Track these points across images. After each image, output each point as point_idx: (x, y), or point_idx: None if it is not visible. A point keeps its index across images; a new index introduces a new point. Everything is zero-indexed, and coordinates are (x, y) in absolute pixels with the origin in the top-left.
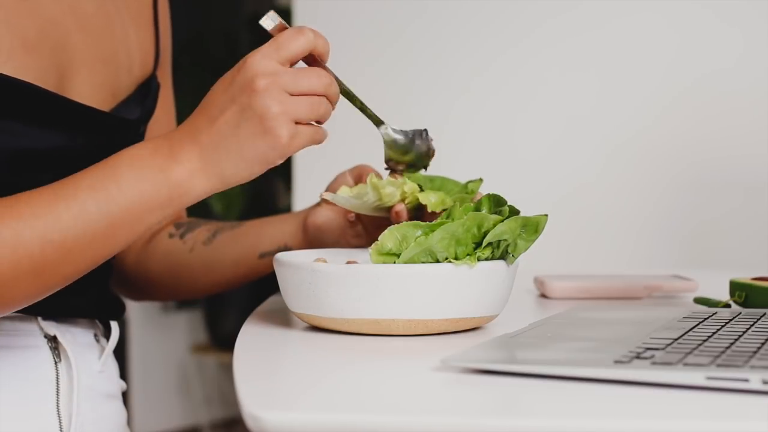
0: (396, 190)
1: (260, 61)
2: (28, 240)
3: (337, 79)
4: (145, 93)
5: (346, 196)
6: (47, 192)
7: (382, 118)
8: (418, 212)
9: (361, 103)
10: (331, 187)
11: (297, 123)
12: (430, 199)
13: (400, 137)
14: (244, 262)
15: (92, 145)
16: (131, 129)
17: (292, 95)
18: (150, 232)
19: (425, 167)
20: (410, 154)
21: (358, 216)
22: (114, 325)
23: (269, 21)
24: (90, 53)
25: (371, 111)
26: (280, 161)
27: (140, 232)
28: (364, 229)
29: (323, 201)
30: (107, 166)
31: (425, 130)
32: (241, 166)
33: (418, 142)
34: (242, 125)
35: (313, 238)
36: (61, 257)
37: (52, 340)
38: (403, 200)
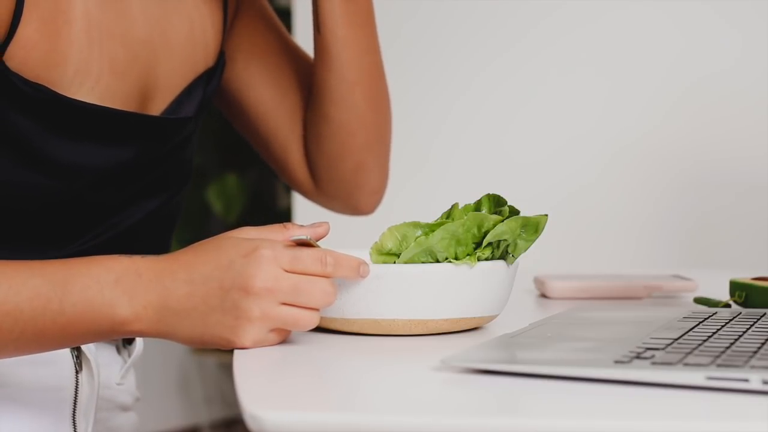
0: None
1: (269, 262)
2: None
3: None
4: (210, 76)
5: None
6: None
7: None
8: None
9: None
10: None
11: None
12: None
13: None
14: None
15: (148, 154)
16: (185, 127)
17: (282, 304)
18: None
19: None
20: None
21: None
22: (138, 340)
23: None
24: (174, 70)
25: None
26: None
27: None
28: None
29: None
30: (62, 278)
31: None
32: (191, 339)
33: None
34: (216, 311)
35: None
36: None
37: (76, 349)
38: None
